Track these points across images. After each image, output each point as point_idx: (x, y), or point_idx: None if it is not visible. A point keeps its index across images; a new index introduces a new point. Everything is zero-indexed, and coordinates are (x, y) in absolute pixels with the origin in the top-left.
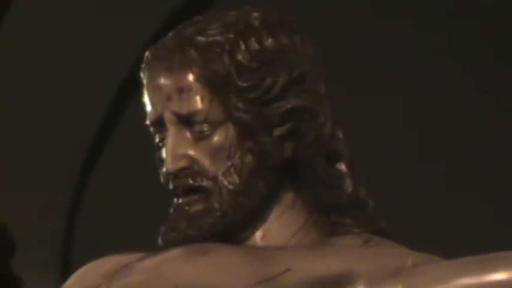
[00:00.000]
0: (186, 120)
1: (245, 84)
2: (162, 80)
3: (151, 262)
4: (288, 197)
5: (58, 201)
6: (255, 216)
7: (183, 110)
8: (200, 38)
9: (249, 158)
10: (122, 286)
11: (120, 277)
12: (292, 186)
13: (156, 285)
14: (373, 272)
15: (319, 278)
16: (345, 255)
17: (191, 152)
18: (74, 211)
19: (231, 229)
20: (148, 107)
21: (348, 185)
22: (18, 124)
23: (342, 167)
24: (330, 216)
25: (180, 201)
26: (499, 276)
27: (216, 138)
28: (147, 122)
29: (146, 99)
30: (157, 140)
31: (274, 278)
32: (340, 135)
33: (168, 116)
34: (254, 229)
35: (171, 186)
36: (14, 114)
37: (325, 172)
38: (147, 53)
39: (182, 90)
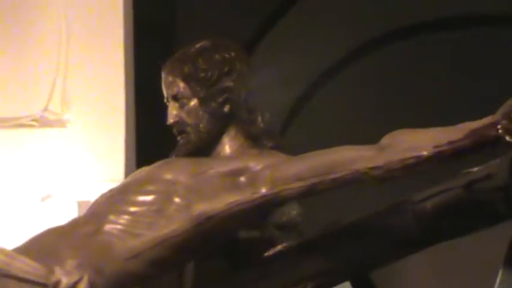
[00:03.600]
0: (174, 97)
1: (199, 77)
2: (165, 78)
3: (148, 167)
4: (230, 132)
5: None
6: (214, 143)
7: (172, 92)
8: (181, 57)
9: (205, 115)
10: (131, 177)
11: (137, 173)
12: (232, 127)
13: (143, 178)
14: (258, 165)
15: (229, 170)
16: (246, 158)
17: (178, 113)
18: None
19: (201, 151)
20: (164, 92)
21: (260, 123)
22: None
23: (257, 114)
24: (255, 141)
25: (178, 138)
26: (315, 161)
27: (189, 106)
28: (165, 100)
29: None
30: None
31: (202, 173)
32: (255, 99)
33: (168, 96)
34: (214, 150)
35: (174, 131)
36: None
37: (247, 117)
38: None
39: (171, 83)
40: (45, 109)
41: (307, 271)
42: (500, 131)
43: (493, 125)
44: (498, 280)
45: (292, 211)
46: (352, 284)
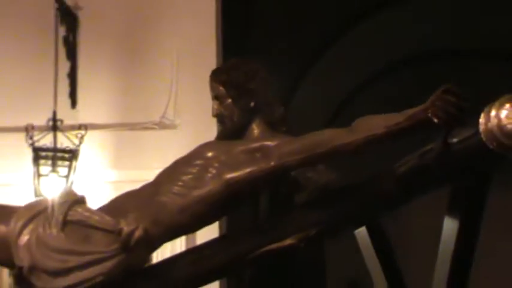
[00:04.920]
0: (215, 97)
1: (231, 82)
2: (210, 84)
3: (195, 147)
4: (256, 121)
5: None
6: (245, 129)
7: (214, 94)
8: (220, 69)
9: (237, 109)
10: (184, 155)
11: (188, 152)
12: (257, 117)
13: (191, 155)
14: (270, 144)
15: (249, 149)
16: (262, 140)
17: (218, 108)
18: None
19: (236, 135)
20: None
21: (277, 112)
22: None
23: (274, 107)
24: (273, 127)
25: (220, 127)
26: (302, 142)
27: (225, 103)
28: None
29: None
30: None
31: (231, 151)
32: (272, 96)
33: (212, 97)
34: (245, 134)
35: (216, 121)
36: None
37: (267, 110)
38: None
39: (214, 87)
40: (163, 116)
41: (315, 220)
42: (429, 114)
43: (424, 110)
44: (443, 227)
45: (330, 176)
46: (368, 230)
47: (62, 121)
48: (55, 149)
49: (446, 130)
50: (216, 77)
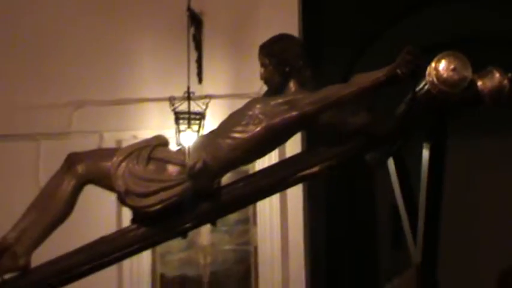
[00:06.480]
0: (262, 65)
1: (272, 53)
2: (258, 56)
3: (246, 102)
4: (291, 82)
5: None
6: (282, 88)
7: (261, 63)
8: (264, 44)
9: (276, 74)
10: (237, 109)
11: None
12: (292, 78)
13: (244, 107)
14: (296, 98)
15: (281, 102)
16: (292, 94)
17: (264, 73)
18: None
19: (275, 93)
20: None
21: (306, 75)
22: None
23: (304, 71)
24: (303, 85)
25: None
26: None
27: (268, 69)
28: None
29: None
30: None
31: (269, 104)
32: (303, 62)
33: (260, 65)
34: (282, 92)
35: (263, 83)
36: None
37: (298, 73)
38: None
39: (261, 58)
40: (260, 89)
41: (336, 152)
42: (398, 70)
43: (394, 67)
44: (422, 156)
45: (364, 119)
46: (393, 160)
47: (193, 93)
48: (189, 112)
49: (411, 81)
50: (262, 50)
